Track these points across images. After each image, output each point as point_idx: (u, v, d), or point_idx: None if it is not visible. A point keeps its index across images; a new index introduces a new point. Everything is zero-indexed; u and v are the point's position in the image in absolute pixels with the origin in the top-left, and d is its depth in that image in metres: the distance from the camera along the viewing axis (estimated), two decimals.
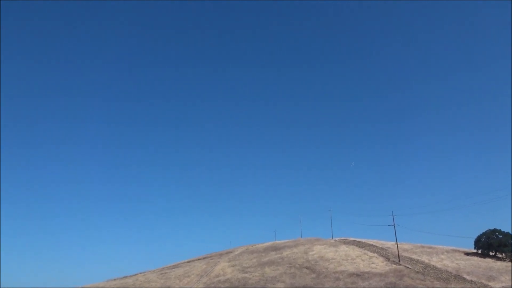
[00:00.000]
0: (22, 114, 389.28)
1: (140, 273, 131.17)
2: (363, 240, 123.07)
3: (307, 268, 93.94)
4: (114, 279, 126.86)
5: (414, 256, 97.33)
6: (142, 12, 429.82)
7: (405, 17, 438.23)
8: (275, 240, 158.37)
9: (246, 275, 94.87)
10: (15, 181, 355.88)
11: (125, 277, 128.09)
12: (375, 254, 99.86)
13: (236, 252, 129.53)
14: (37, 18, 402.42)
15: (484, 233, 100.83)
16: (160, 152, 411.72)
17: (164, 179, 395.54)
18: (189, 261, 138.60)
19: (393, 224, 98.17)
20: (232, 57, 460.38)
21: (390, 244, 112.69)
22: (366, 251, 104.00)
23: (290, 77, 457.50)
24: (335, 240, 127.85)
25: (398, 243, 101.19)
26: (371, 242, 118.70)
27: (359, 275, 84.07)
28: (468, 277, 78.15)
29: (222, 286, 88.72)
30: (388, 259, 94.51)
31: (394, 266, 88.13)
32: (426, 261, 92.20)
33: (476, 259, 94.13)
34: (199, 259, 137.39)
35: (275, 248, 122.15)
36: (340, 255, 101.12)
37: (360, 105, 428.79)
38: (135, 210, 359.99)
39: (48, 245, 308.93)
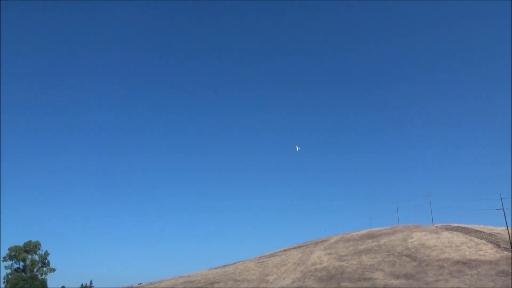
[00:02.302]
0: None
1: (240, 261, 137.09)
2: (468, 226, 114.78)
3: (407, 256, 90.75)
4: (216, 268, 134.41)
5: None
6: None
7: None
8: (370, 227, 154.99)
9: (343, 263, 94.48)
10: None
11: (226, 265, 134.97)
12: (483, 241, 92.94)
13: (332, 241, 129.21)
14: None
15: None
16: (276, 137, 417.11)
17: (265, 167, 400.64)
18: (285, 250, 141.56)
19: (501, 208, 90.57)
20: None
21: (499, 230, 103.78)
22: (472, 238, 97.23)
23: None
24: (436, 227, 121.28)
25: (508, 228, 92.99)
26: (477, 228, 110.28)
27: (465, 263, 79.18)
28: None
29: (319, 274, 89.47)
30: (498, 245, 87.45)
31: (505, 253, 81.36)
32: None
33: None
34: (295, 248, 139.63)
35: (372, 236, 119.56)
36: (443, 242, 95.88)
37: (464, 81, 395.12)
38: (237, 202, 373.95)
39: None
